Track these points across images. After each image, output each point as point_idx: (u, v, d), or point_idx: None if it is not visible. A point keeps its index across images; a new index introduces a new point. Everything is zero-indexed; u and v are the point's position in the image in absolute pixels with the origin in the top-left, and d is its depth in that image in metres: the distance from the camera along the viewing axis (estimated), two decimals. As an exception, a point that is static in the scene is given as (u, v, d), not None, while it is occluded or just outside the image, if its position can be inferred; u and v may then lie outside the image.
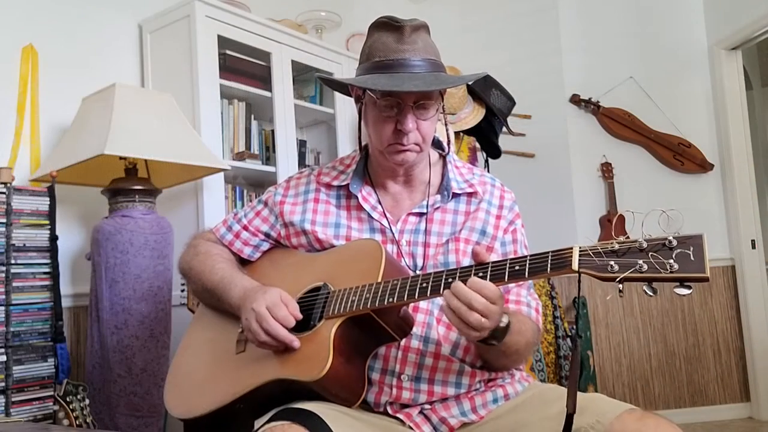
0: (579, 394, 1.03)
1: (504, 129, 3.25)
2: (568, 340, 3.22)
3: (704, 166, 3.63)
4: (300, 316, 1.16)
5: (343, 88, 1.40)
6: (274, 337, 1.12)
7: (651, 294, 0.89)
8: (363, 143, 1.37)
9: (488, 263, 1.03)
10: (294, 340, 1.12)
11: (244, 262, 1.42)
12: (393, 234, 1.27)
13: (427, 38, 1.24)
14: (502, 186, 1.37)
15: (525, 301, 1.27)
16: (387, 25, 1.22)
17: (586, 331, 3.36)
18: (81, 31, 2.47)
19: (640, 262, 0.89)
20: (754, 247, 3.57)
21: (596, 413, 1.03)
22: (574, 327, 3.30)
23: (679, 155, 3.61)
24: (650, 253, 0.89)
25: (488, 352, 1.16)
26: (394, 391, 1.18)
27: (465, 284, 0.99)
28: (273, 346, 1.14)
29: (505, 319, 1.07)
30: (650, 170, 3.65)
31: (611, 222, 3.51)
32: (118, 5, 2.60)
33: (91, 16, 2.51)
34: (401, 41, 1.20)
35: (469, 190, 1.31)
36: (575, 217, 3.54)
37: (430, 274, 1.07)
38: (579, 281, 0.94)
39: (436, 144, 1.40)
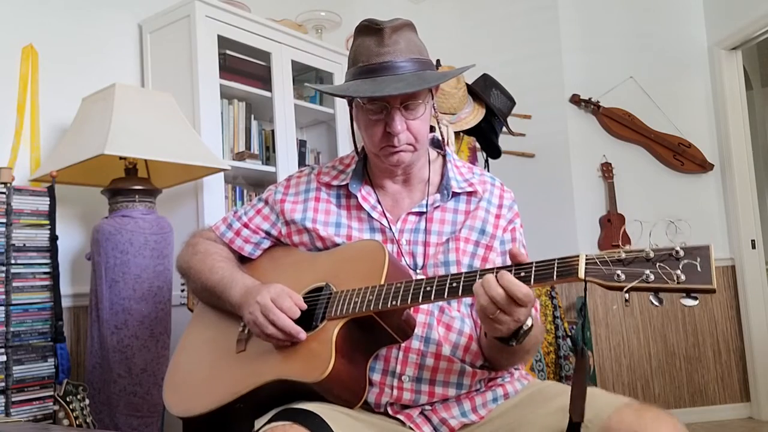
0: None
1: (504, 129, 3.25)
2: (568, 340, 3.22)
3: (704, 166, 3.63)
4: (305, 306, 1.16)
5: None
6: (281, 328, 1.12)
7: (657, 304, 0.88)
8: (360, 145, 1.37)
9: (494, 268, 1.02)
10: (300, 332, 1.12)
11: (243, 261, 1.42)
12: (393, 233, 1.27)
13: (410, 37, 1.23)
14: (502, 185, 1.37)
15: None
16: (368, 29, 1.22)
17: (586, 332, 3.36)
18: (81, 31, 2.48)
19: (647, 272, 0.88)
20: (754, 247, 3.57)
21: (594, 408, 1.03)
22: (575, 328, 3.30)
23: (679, 155, 3.61)
24: (657, 263, 0.88)
25: (501, 351, 1.15)
26: (395, 392, 1.18)
27: (498, 281, 0.97)
28: (279, 339, 1.14)
29: (529, 322, 1.05)
30: (650, 170, 3.65)
31: (611, 222, 3.51)
32: (118, 5, 2.60)
33: (91, 16, 2.51)
34: (381, 44, 1.20)
35: (469, 189, 1.31)
36: (575, 217, 3.54)
37: (434, 278, 1.06)
38: (585, 290, 0.94)
39: (435, 143, 1.40)
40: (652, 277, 0.88)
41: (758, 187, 3.73)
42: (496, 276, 0.98)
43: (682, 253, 0.87)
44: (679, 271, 0.86)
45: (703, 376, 3.54)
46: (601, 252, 0.94)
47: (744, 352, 3.55)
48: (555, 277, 0.95)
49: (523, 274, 0.98)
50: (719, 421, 3.44)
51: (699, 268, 0.86)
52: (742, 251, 3.54)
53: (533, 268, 0.98)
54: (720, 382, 3.55)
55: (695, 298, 0.87)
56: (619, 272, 0.90)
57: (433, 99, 1.29)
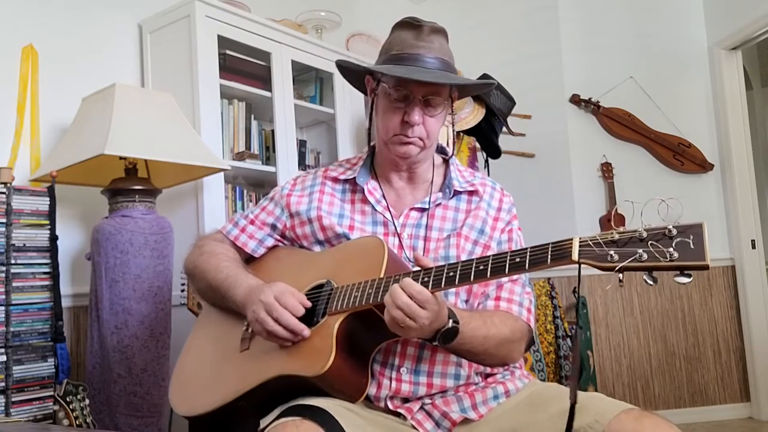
0: (577, 393, 1.03)
1: (504, 129, 3.25)
2: (568, 340, 3.22)
3: (704, 166, 3.63)
4: (309, 304, 1.17)
5: (358, 82, 1.44)
6: (285, 325, 1.13)
7: (651, 283, 0.89)
8: (372, 143, 1.43)
9: (489, 256, 1.04)
10: (304, 329, 1.14)
11: (248, 261, 1.44)
12: (395, 227, 1.31)
13: (443, 42, 1.30)
14: (502, 189, 1.42)
15: (517, 300, 1.28)
16: (408, 24, 1.29)
17: (586, 331, 3.36)
18: (81, 31, 2.47)
19: (640, 251, 0.89)
20: (754, 247, 3.57)
21: (595, 413, 1.04)
22: (575, 323, 3.30)
23: (679, 155, 3.61)
24: (650, 242, 0.89)
25: (453, 352, 1.18)
26: (394, 383, 1.19)
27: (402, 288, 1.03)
28: (281, 337, 1.15)
29: (449, 323, 1.08)
30: (650, 170, 3.65)
31: (611, 222, 3.51)
32: (118, 5, 2.60)
33: (91, 16, 2.51)
34: (419, 38, 1.26)
35: (470, 188, 1.36)
36: (575, 217, 3.54)
37: (431, 268, 1.08)
38: (579, 272, 0.95)
39: (440, 149, 1.45)
40: (645, 256, 0.88)
41: (758, 187, 3.74)
42: (400, 285, 1.03)
43: (674, 231, 0.88)
44: (671, 249, 0.87)
45: (703, 376, 3.54)
46: (594, 234, 0.95)
47: (744, 352, 3.55)
48: (549, 260, 0.96)
49: (518, 259, 1.00)
50: (719, 421, 3.44)
51: (692, 245, 0.87)
52: (742, 251, 3.54)
53: (528, 253, 0.99)
54: (720, 382, 3.55)
55: (689, 276, 0.87)
56: (612, 252, 0.91)
57: (452, 105, 1.35)
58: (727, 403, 3.53)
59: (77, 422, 1.83)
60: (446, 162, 1.42)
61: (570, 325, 3.31)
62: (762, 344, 3.48)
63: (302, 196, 1.40)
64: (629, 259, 0.89)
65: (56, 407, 1.85)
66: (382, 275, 1.12)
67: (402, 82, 1.24)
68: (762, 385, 3.45)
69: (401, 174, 1.37)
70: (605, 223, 3.54)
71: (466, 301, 1.28)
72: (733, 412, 3.51)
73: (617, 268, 0.90)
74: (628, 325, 3.54)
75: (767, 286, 3.58)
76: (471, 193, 1.36)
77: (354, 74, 1.41)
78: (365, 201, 1.35)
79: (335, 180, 1.40)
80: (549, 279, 3.35)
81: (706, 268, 0.85)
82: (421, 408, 1.19)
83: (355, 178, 1.37)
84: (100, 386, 2.03)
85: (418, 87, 1.24)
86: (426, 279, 1.06)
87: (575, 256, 0.93)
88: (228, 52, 2.65)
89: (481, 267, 1.03)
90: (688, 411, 3.46)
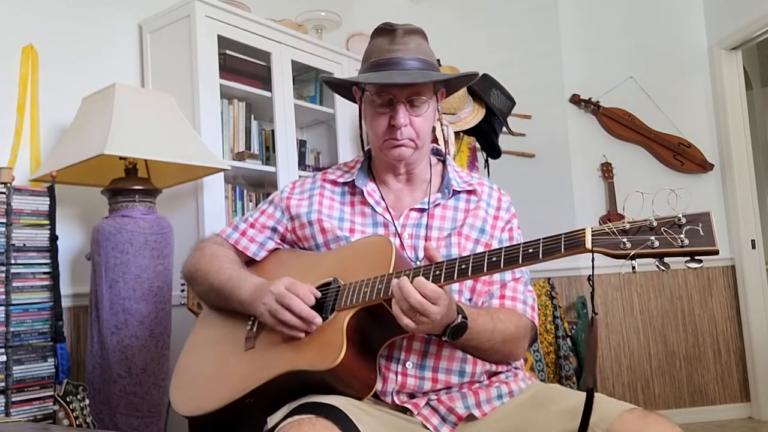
0: (579, 393, 1.03)
1: (504, 129, 3.25)
2: (568, 340, 3.22)
3: (704, 166, 3.63)
4: (318, 294, 1.17)
5: (348, 93, 1.46)
6: (297, 313, 1.13)
7: (663, 269, 0.92)
8: (366, 147, 1.44)
9: (502, 247, 1.05)
10: (316, 316, 1.14)
11: (249, 265, 1.43)
12: (396, 228, 1.31)
13: (420, 41, 1.31)
14: (499, 189, 1.43)
15: (521, 298, 1.30)
16: (382, 30, 1.31)
17: (586, 332, 3.36)
18: (81, 31, 2.47)
19: (652, 238, 0.92)
20: (754, 247, 3.57)
21: (599, 413, 1.04)
22: (575, 328, 3.30)
23: (679, 155, 3.61)
24: (662, 229, 0.92)
25: (460, 347, 1.19)
26: (399, 378, 1.20)
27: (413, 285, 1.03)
28: (292, 326, 1.15)
29: (458, 319, 1.09)
30: (650, 170, 3.64)
31: (611, 222, 3.51)
32: (118, 5, 2.60)
33: (91, 16, 2.51)
34: (393, 42, 1.28)
35: (469, 188, 1.37)
36: (575, 217, 3.54)
37: (442, 262, 1.09)
38: (593, 260, 0.96)
39: (434, 151, 1.46)
40: (657, 243, 0.91)
41: (758, 187, 3.73)
42: (411, 281, 1.04)
43: (684, 220, 0.91)
44: (682, 236, 0.90)
45: (703, 376, 3.54)
46: (606, 224, 0.97)
47: (744, 352, 3.55)
48: (563, 249, 0.97)
49: (531, 250, 1.01)
50: (719, 421, 3.44)
51: (701, 233, 0.89)
52: (742, 251, 3.54)
53: (541, 243, 1.00)
54: (720, 382, 3.55)
55: (699, 261, 0.90)
56: (625, 240, 0.93)
57: (438, 103, 1.36)
58: (727, 403, 3.53)
59: (77, 422, 1.83)
60: (442, 163, 1.44)
61: (570, 325, 3.31)
62: (762, 344, 3.48)
63: (302, 199, 1.41)
64: (641, 246, 0.92)
65: (56, 407, 1.85)
66: (391, 271, 1.13)
67: (383, 87, 1.26)
68: (762, 385, 3.45)
69: (399, 176, 1.38)
70: (605, 223, 3.53)
71: (470, 300, 1.29)
72: (733, 412, 3.51)
73: (631, 255, 0.92)
74: (628, 325, 3.54)
75: (767, 286, 3.58)
76: (469, 192, 1.37)
77: (341, 87, 1.44)
78: (365, 203, 1.36)
79: (334, 183, 1.42)
80: (549, 279, 3.35)
81: (716, 253, 0.89)
82: (427, 404, 1.20)
83: (353, 180, 1.38)
84: (100, 386, 2.03)
85: (399, 90, 1.26)
86: (438, 273, 1.07)
87: (588, 245, 0.95)
88: (228, 52, 2.65)
89: (494, 258, 1.03)
90: (688, 411, 3.46)
